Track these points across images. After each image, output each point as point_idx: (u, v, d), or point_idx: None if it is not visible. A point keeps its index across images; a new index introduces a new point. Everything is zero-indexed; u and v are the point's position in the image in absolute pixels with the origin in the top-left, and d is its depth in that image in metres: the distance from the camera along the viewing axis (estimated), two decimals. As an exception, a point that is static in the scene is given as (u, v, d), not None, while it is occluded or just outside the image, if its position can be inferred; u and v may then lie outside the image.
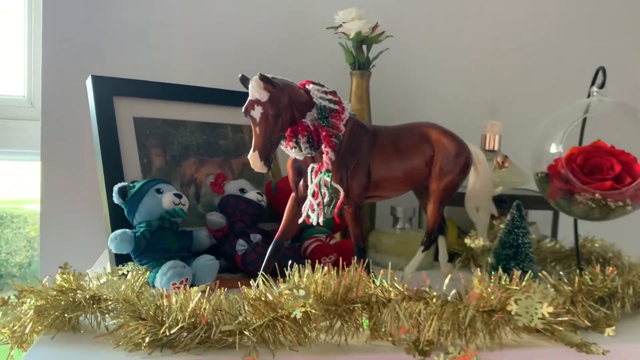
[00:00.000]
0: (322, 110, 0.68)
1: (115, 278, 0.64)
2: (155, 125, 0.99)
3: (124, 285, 0.64)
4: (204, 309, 0.59)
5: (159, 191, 0.85)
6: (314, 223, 0.65)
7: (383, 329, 0.62)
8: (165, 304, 0.60)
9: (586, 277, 0.75)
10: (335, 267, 0.62)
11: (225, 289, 0.62)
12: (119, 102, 0.95)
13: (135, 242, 0.80)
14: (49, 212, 1.21)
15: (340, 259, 0.75)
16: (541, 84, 1.45)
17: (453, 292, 0.62)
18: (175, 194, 0.84)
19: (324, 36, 1.20)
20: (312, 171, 0.68)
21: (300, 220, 0.67)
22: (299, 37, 1.31)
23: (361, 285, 0.63)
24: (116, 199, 0.84)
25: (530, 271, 0.68)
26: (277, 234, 0.74)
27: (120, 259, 0.83)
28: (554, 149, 0.90)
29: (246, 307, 0.61)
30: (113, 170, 0.89)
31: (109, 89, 0.94)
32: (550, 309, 0.61)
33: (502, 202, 1.06)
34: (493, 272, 0.80)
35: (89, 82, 0.94)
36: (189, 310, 0.58)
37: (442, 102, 1.39)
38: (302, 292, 0.58)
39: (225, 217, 0.91)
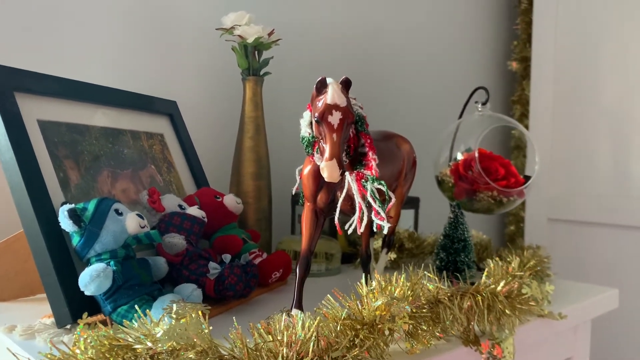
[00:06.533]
0: (360, 118, 0.67)
1: (175, 321, 0.51)
2: (61, 131, 0.77)
3: (178, 329, 0.52)
4: (310, 336, 0.53)
5: (117, 212, 0.68)
6: (385, 231, 0.63)
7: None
8: (258, 340, 0.52)
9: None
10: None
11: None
12: (21, 100, 0.72)
13: (112, 278, 0.63)
14: None
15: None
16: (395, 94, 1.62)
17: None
18: (138, 215, 0.69)
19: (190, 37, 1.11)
20: (354, 180, 0.65)
21: (360, 231, 0.64)
22: (166, 37, 1.18)
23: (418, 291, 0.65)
24: (68, 225, 0.64)
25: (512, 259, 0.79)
26: (303, 249, 0.68)
27: (74, 303, 0.64)
28: (459, 155, 1.05)
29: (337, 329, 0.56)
30: (38, 190, 0.67)
31: (9, 82, 0.71)
32: (552, 287, 0.74)
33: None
34: (443, 266, 0.90)
35: (-24, 71, 0.69)
36: (311, 340, 0.51)
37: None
38: (406, 305, 0.57)
39: (173, 238, 0.78)
